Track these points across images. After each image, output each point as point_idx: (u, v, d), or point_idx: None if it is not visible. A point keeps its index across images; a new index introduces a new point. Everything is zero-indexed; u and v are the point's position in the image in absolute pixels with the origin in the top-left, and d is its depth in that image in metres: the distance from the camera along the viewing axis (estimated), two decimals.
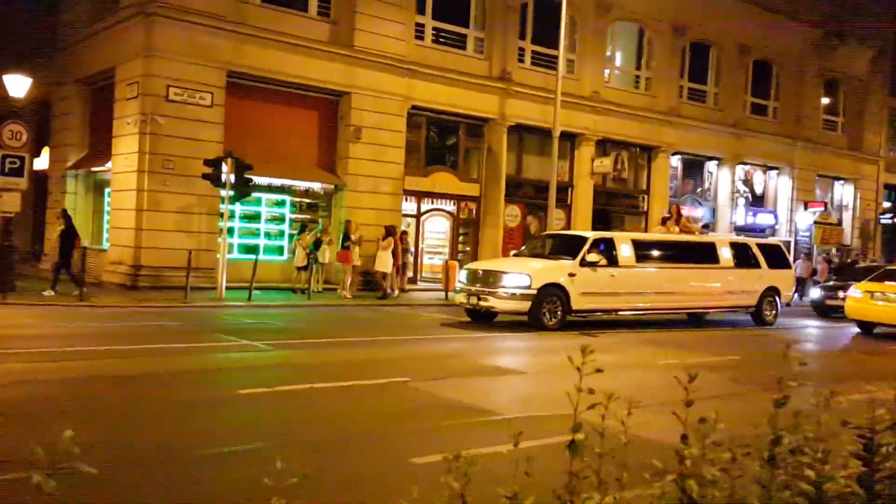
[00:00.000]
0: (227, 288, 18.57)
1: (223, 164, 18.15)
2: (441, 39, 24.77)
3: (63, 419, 6.79)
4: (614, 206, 29.48)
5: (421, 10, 24.05)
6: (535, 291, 14.85)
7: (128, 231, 20.06)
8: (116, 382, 9.07)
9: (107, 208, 22.73)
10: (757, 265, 18.41)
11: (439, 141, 25.60)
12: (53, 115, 25.07)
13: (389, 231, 20.84)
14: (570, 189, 27.91)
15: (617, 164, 29.31)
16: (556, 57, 23.55)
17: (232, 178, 18.23)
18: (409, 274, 23.77)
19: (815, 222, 35.89)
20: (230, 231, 21.38)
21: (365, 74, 22.48)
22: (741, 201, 34.05)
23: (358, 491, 5.55)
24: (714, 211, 33.11)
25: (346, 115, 22.57)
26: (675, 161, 31.82)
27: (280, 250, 22.40)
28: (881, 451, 2.78)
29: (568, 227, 26.74)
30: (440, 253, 25.51)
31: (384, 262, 20.63)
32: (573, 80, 27.21)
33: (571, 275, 15.26)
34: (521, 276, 15.00)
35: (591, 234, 16.69)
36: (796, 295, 29.08)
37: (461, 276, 16.44)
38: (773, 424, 2.85)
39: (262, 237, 22.31)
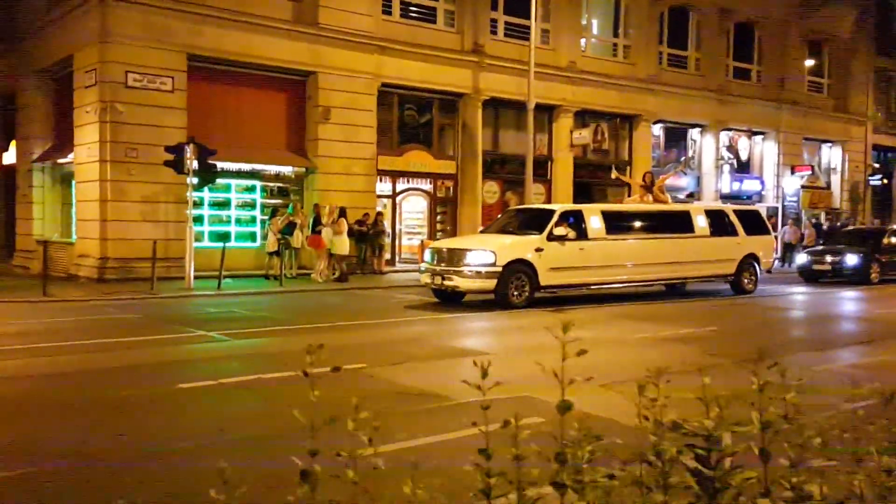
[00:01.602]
0: (196, 277, 18.12)
1: (185, 149, 17.63)
2: (410, 14, 24.17)
3: None
4: (596, 178, 28.95)
5: None
6: (500, 269, 14.39)
7: (93, 223, 19.57)
8: (51, 379, 8.67)
9: (74, 200, 22.19)
10: (734, 232, 17.96)
11: (412, 119, 25.03)
12: (18, 108, 24.47)
13: (341, 212, 20.29)
14: (549, 163, 27.42)
15: (597, 135, 28.77)
16: (530, 27, 22.97)
17: (195, 164, 17.71)
18: (387, 256, 23.36)
19: (803, 186, 35.49)
20: (199, 219, 20.95)
21: (331, 53, 21.91)
22: (726, 168, 33.52)
23: (275, 491, 5.13)
24: (699, 179, 32.64)
25: (314, 95, 22.02)
26: (657, 130, 31.33)
27: (252, 237, 21.93)
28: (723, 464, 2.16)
29: (548, 201, 26.26)
30: (419, 233, 25.04)
31: (340, 245, 20.12)
32: (549, 50, 26.64)
33: (538, 250, 14.80)
34: (485, 254, 14.54)
35: (559, 207, 16.23)
36: (784, 262, 28.80)
37: (426, 255, 15.99)
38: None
39: (233, 224, 21.80)
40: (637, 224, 16.83)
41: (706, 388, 2.42)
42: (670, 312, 15.31)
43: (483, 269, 14.41)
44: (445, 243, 16.86)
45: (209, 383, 8.30)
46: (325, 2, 21.76)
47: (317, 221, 20.27)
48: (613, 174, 22.28)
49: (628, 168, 29.41)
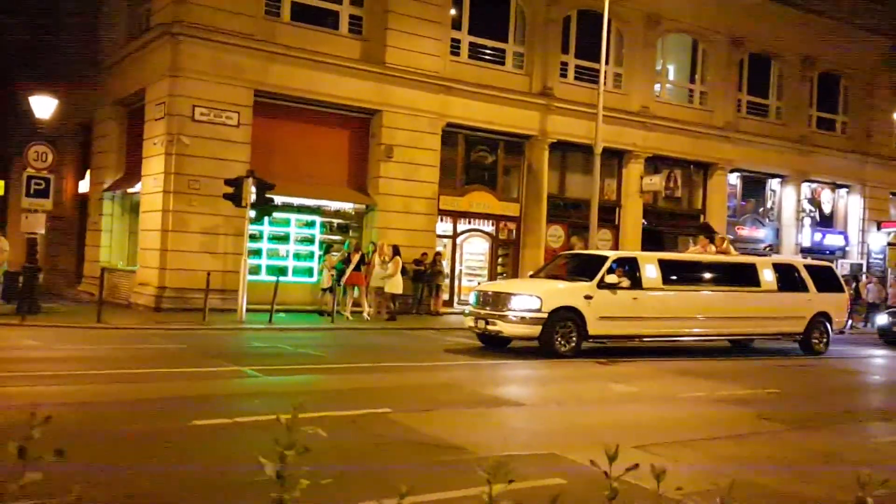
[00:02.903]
0: (252, 310, 18.09)
1: (244, 182, 17.72)
2: (479, 55, 24.05)
3: None
4: (667, 226, 28.07)
5: (457, 26, 23.44)
6: (545, 315, 13.75)
7: (154, 252, 19.83)
8: (68, 409, 8.49)
9: (139, 229, 22.61)
10: (804, 288, 16.90)
11: (476, 159, 24.77)
12: (94, 138, 25.22)
13: (395, 250, 20.02)
14: (617, 209, 26.75)
15: (669, 181, 27.98)
16: (601, 71, 22.54)
17: (253, 197, 17.77)
18: (445, 296, 22.97)
19: (889, 244, 33.64)
20: (258, 252, 21.03)
21: (397, 92, 21.90)
22: (807, 221, 32.19)
23: None
24: (778, 231, 31.35)
25: (378, 133, 22.00)
26: (734, 179, 30.28)
27: (310, 272, 21.84)
28: None
29: (615, 247, 25.55)
30: (479, 275, 24.58)
31: (394, 284, 19.80)
32: (620, 94, 26.15)
33: (588, 297, 14.13)
34: (530, 299, 13.95)
35: (612, 254, 15.58)
36: (867, 322, 27.17)
37: (471, 298, 15.50)
38: None
39: (290, 258, 21.79)
40: (697, 275, 16.00)
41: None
42: (730, 370, 14.39)
43: (528, 315, 13.82)
44: (491, 286, 16.38)
45: (224, 421, 7.97)
46: (392, 42, 21.83)
47: (362, 260, 19.98)
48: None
49: (701, 217, 28.50)
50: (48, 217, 25.27)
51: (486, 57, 24.20)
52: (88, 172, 25.72)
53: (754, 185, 31.36)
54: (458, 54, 23.51)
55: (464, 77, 23.14)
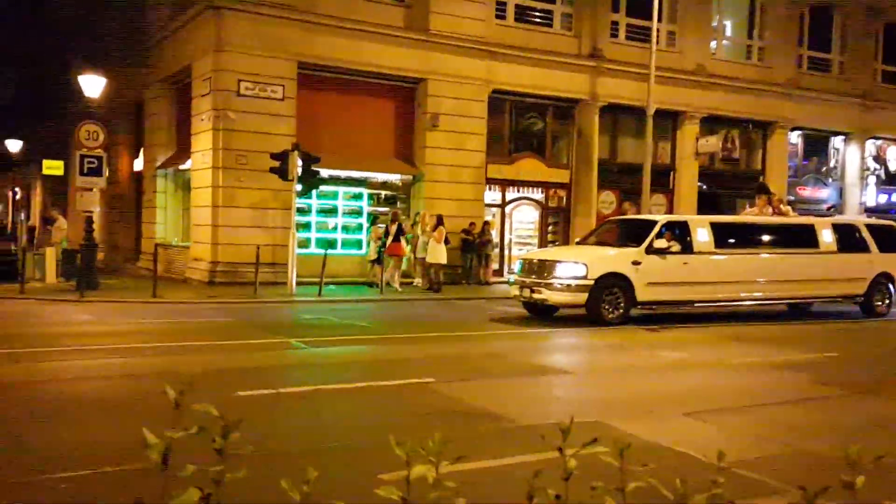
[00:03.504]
0: (302, 283, 18.17)
1: (290, 157, 17.70)
2: (525, 17, 23.52)
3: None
4: (724, 188, 27.27)
5: None
6: (591, 282, 13.44)
7: (205, 228, 20.03)
8: (114, 382, 8.61)
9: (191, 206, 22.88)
10: (866, 249, 16.20)
11: (524, 125, 24.32)
12: (145, 116, 25.52)
13: (439, 220, 19.80)
14: (671, 172, 26.08)
15: (726, 142, 27.14)
16: (653, 29, 21.87)
17: (299, 170, 17.75)
18: (495, 266, 22.76)
19: None
20: (307, 226, 21.09)
21: (442, 59, 21.59)
22: (872, 180, 30.98)
23: None
24: (841, 191, 30.27)
25: (423, 102, 21.76)
26: (795, 137, 29.25)
27: (358, 244, 21.83)
28: None
29: (670, 212, 24.93)
30: (529, 244, 24.27)
31: (436, 254, 19.60)
32: (674, 53, 25.38)
33: (636, 263, 13.75)
34: (576, 266, 13.63)
35: (661, 218, 15.12)
36: None
37: (515, 266, 15.24)
38: None
39: (339, 231, 21.80)
40: (752, 238, 15.44)
41: None
42: (787, 335, 13.91)
43: (573, 283, 13.53)
44: (535, 254, 16.12)
45: (268, 392, 7.95)
46: (436, 7, 21.49)
47: (400, 230, 19.84)
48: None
49: (761, 178, 27.62)
50: (105, 195, 25.87)
51: (533, 19, 23.67)
52: (142, 150, 26.06)
53: (816, 144, 30.24)
54: (503, 17, 23.04)
55: (510, 41, 22.68)
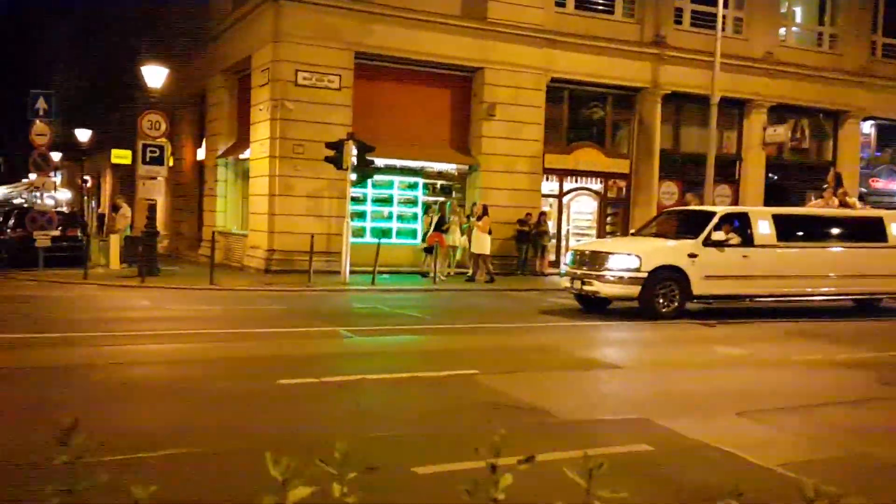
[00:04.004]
0: (356, 272, 18.23)
1: (345, 146, 17.74)
2: (585, 4, 23.09)
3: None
4: (793, 180, 26.39)
5: None
6: (645, 274, 13.08)
7: (262, 216, 20.26)
8: (162, 367, 8.73)
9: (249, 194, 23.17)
10: None
11: (583, 114, 23.92)
12: (207, 106, 25.93)
13: (485, 210, 19.54)
14: (737, 162, 25.36)
15: (795, 132, 26.21)
16: (719, 16, 21.24)
17: (354, 160, 17.78)
18: (551, 257, 22.47)
19: None
20: (362, 215, 21.15)
21: (499, 48, 21.36)
22: None
23: None
24: None
25: (480, 91, 21.57)
26: (868, 127, 28.17)
27: (413, 233, 21.78)
28: None
29: (735, 203, 24.27)
30: (587, 235, 23.90)
31: (481, 244, 19.36)
32: (741, 40, 24.64)
33: (692, 255, 13.34)
34: (629, 258, 13.29)
35: (720, 210, 14.61)
36: None
37: (567, 257, 14.96)
38: None
39: (394, 220, 21.79)
40: (816, 231, 14.83)
41: None
42: (852, 332, 13.34)
43: (626, 275, 13.20)
44: (588, 245, 15.80)
45: (310, 381, 7.93)
46: None
47: (442, 220, 19.66)
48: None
49: (831, 169, 26.65)
50: (169, 183, 26.41)
51: (594, 6, 23.23)
52: (204, 140, 26.50)
53: (890, 134, 29.05)
54: (563, 5, 22.65)
55: (570, 28, 22.30)
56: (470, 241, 19.93)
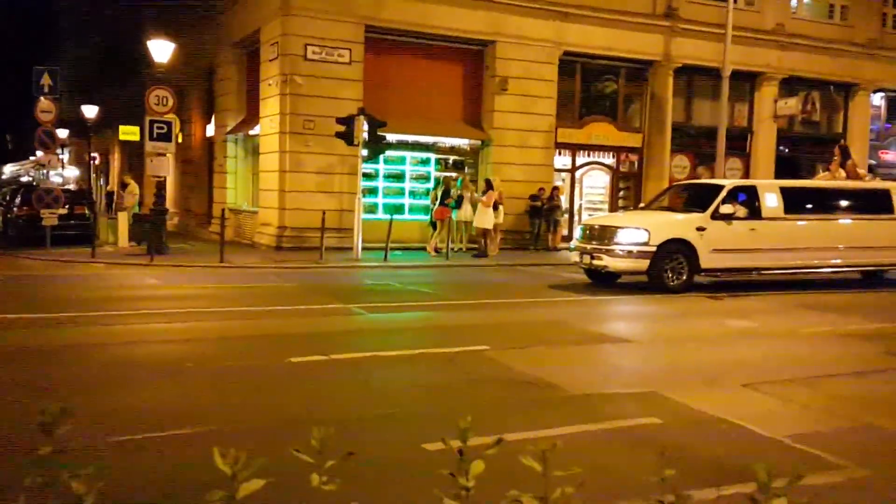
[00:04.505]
0: (368, 248, 18.22)
1: (355, 121, 17.66)
2: None
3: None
4: (804, 152, 26.22)
5: None
6: (654, 248, 13.06)
7: (273, 193, 20.24)
8: (172, 346, 8.75)
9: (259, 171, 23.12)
10: None
11: (595, 88, 23.80)
12: (216, 81, 25.83)
13: (489, 185, 19.42)
14: (749, 136, 25.18)
15: (806, 104, 25.97)
16: None
17: (365, 135, 17.71)
18: (564, 232, 22.42)
19: None
20: (375, 191, 21.11)
21: (511, 21, 21.18)
22: None
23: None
24: None
25: (492, 65, 21.43)
26: (878, 99, 27.92)
27: (426, 209, 21.69)
28: None
29: (746, 176, 24.16)
30: (600, 209, 23.82)
31: (484, 219, 19.27)
32: (753, 12, 24.39)
33: (700, 229, 13.29)
34: (637, 232, 13.26)
35: (728, 183, 14.52)
36: None
37: (576, 232, 14.92)
38: None
39: (406, 196, 21.73)
40: (823, 203, 14.74)
41: None
42: (860, 303, 13.33)
43: (635, 249, 13.17)
44: (597, 220, 15.80)
45: (320, 358, 7.93)
46: None
47: (446, 193, 19.58)
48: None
49: (842, 141, 26.42)
50: (178, 160, 26.37)
51: None
52: (213, 116, 26.43)
53: None
54: None
55: (581, 1, 22.06)
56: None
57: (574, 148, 23.22)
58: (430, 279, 15.79)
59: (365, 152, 18.13)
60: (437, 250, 19.48)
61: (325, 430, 1.54)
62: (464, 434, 1.54)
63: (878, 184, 16.31)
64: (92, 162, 41.43)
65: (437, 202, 19.52)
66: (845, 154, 16.78)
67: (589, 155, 23.67)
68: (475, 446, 1.72)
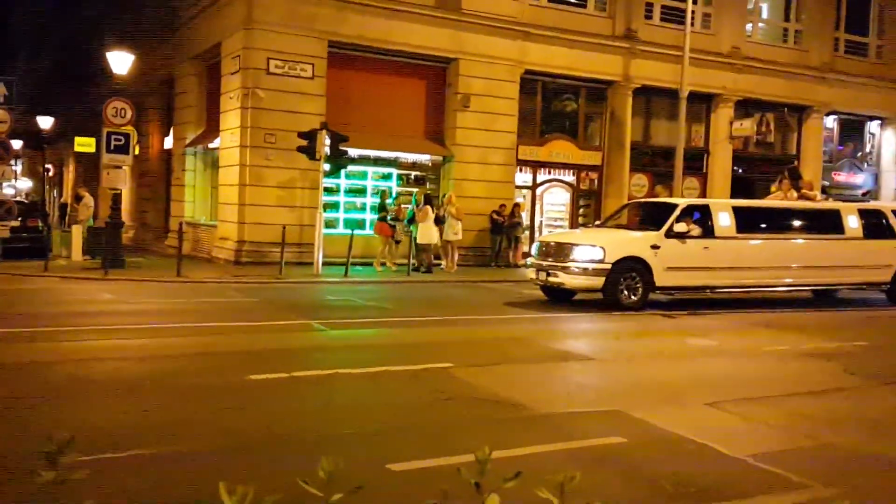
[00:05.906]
0: (328, 264, 18.10)
1: (317, 136, 17.59)
2: None
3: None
4: (759, 173, 26.73)
5: None
6: (609, 266, 13.20)
7: (232, 207, 20.04)
8: (129, 363, 8.55)
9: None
10: (893, 235, 15.73)
11: (556, 107, 24.05)
12: (175, 94, 25.54)
13: (427, 200, 19.37)
14: (705, 156, 25.64)
15: (761, 126, 26.59)
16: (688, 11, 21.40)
17: (327, 150, 17.64)
18: (525, 248, 22.51)
19: None
20: (336, 206, 21.02)
21: (474, 39, 21.32)
22: None
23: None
24: (877, 177, 29.68)
25: (454, 82, 21.53)
26: (831, 122, 28.64)
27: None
28: None
29: (703, 196, 24.59)
30: (560, 226, 24.01)
31: (426, 234, 19.21)
32: (709, 35, 24.89)
33: (655, 247, 13.47)
34: (593, 249, 13.39)
35: (682, 202, 14.73)
36: None
37: (533, 248, 15.03)
38: None
39: (367, 211, 21.65)
40: (775, 223, 15.04)
41: None
42: (816, 322, 13.58)
43: (590, 266, 13.30)
44: (553, 237, 15.94)
45: (281, 376, 7.82)
46: None
47: (381, 208, 19.61)
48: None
49: (796, 162, 27.05)
50: (135, 173, 26.01)
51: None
52: (172, 128, 26.12)
53: (852, 129, 29.64)
54: None
55: (543, 21, 22.33)
56: (442, 233, 19.86)
57: (535, 165, 23.41)
58: (390, 295, 15.73)
59: (327, 167, 18.07)
60: (382, 265, 19.50)
61: (333, 461, 1.51)
62: (482, 466, 1.52)
63: (829, 204, 16.68)
64: (46, 174, 40.61)
65: (377, 218, 19.46)
66: (794, 175, 17.15)
67: (550, 172, 23.87)
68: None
